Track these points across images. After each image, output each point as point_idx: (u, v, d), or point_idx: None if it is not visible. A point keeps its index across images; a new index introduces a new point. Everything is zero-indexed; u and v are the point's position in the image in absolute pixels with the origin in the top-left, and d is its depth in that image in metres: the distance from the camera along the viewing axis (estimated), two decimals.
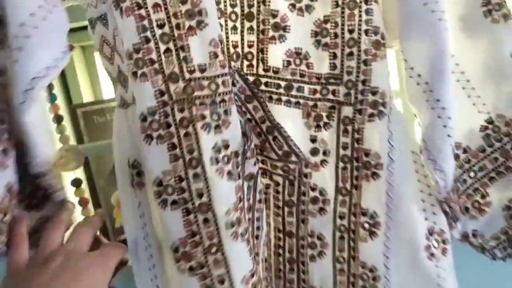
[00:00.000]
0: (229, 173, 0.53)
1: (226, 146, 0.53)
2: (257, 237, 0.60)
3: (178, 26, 0.50)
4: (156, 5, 0.50)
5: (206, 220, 0.53)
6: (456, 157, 0.63)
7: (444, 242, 0.62)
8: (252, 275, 0.55)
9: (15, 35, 0.45)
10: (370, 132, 0.59)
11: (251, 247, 0.56)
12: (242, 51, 0.59)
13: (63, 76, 0.84)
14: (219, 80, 0.52)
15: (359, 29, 0.57)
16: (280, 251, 0.66)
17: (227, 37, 0.58)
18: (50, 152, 0.51)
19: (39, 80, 0.46)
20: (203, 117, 0.52)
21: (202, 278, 0.54)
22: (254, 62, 0.60)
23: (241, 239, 0.54)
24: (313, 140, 0.62)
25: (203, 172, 0.52)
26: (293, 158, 0.61)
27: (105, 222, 0.60)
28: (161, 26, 0.50)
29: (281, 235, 0.65)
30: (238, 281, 0.54)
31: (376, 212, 0.61)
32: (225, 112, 0.53)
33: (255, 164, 0.56)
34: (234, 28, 0.59)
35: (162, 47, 0.51)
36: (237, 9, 0.58)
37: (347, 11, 0.57)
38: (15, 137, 0.47)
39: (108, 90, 0.91)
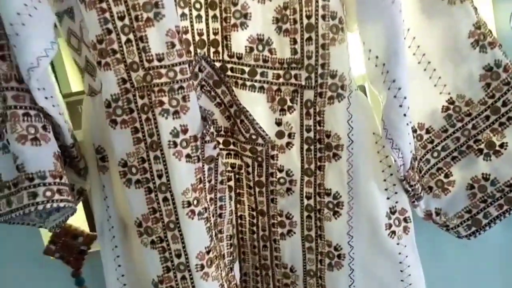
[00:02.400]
0: (187, 156, 0.57)
1: (185, 131, 0.57)
2: (220, 215, 0.64)
3: (137, 18, 0.54)
4: None
5: (165, 199, 0.57)
6: (420, 137, 0.65)
7: (405, 220, 0.64)
8: (208, 252, 0.59)
9: (8, 34, 0.51)
10: (330, 114, 0.61)
11: (210, 225, 0.60)
12: (208, 39, 0.63)
13: (52, 66, 0.89)
14: (177, 68, 0.56)
15: (316, 15, 0.60)
16: (254, 228, 0.70)
17: (192, 26, 0.62)
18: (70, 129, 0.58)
19: (33, 69, 0.52)
20: (161, 103, 0.56)
21: (162, 251, 0.58)
22: (220, 48, 0.63)
23: (198, 218, 0.58)
24: (278, 123, 0.65)
25: (162, 155, 0.56)
26: (260, 140, 0.64)
27: (91, 211, 0.65)
28: (121, 18, 0.54)
29: (254, 214, 0.69)
30: (193, 256, 0.58)
31: (339, 192, 0.63)
32: (184, 98, 0.56)
33: (215, 147, 0.60)
34: (199, 16, 0.62)
35: (123, 38, 0.54)
36: None
37: None
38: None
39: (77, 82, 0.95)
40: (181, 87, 0.57)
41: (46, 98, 0.54)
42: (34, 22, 0.51)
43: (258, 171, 0.67)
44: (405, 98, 0.58)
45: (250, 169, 0.67)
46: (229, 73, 0.64)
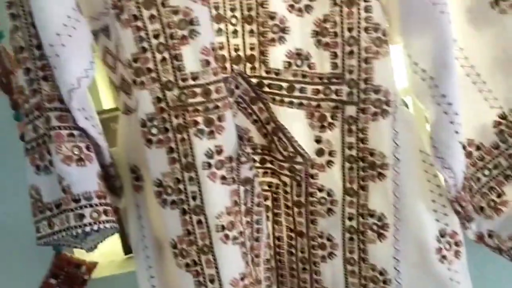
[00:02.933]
0: (222, 177, 0.56)
1: (220, 152, 0.56)
2: (257, 239, 0.61)
3: (172, 36, 0.53)
4: (151, 16, 0.53)
5: (199, 222, 0.55)
6: (469, 154, 0.61)
7: (457, 244, 0.60)
8: (243, 278, 0.57)
9: (48, 55, 0.51)
10: (374, 131, 0.59)
11: (246, 250, 0.57)
12: (245, 54, 0.61)
13: None
14: (212, 87, 0.54)
15: (358, 27, 0.57)
16: (293, 250, 0.67)
17: (228, 41, 0.60)
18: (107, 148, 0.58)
19: (73, 91, 0.52)
20: (196, 123, 0.55)
21: (196, 275, 0.57)
22: (257, 64, 0.61)
23: (232, 242, 0.56)
24: (318, 140, 0.62)
25: (197, 176, 0.55)
26: (298, 159, 0.62)
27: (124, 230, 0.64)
28: (156, 36, 0.53)
29: (292, 235, 0.67)
30: (227, 282, 0.56)
31: (384, 213, 0.60)
32: (219, 118, 0.55)
33: (251, 168, 0.58)
34: (235, 32, 0.60)
35: (158, 56, 0.53)
36: (237, 13, 0.60)
37: (345, 9, 0.58)
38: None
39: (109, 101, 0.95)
40: (216, 106, 0.55)
41: (86, 118, 0.53)
42: (74, 42, 0.51)
43: (297, 191, 0.64)
44: (456, 114, 0.55)
45: (288, 189, 0.65)
46: (266, 89, 0.62)
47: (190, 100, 0.54)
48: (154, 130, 0.55)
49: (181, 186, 0.56)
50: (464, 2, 0.58)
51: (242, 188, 0.58)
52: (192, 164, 0.55)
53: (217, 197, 0.55)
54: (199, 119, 0.55)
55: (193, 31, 0.53)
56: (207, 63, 0.54)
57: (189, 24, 0.53)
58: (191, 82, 0.54)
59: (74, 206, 0.52)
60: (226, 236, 0.56)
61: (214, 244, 0.56)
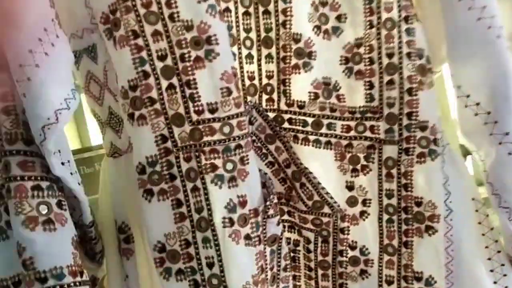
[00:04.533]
0: (247, 236, 0.44)
1: (243, 203, 0.44)
2: None
3: (183, 58, 0.42)
4: (156, 33, 0.42)
5: None
6: None
7: None
8: None
9: (16, 79, 0.38)
10: (421, 176, 0.50)
11: None
12: (260, 83, 0.51)
13: None
14: (234, 122, 0.43)
15: (400, 52, 0.49)
16: None
17: (241, 67, 0.51)
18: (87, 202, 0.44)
19: (49, 127, 0.39)
20: (214, 167, 0.43)
21: None
22: (275, 95, 0.51)
23: None
24: (350, 187, 0.53)
25: (214, 237, 0.43)
26: (326, 209, 0.52)
27: None
28: (162, 58, 0.42)
29: None
30: None
31: (433, 276, 0.51)
32: (242, 160, 0.44)
33: (278, 223, 0.47)
34: (250, 56, 0.51)
35: (164, 83, 0.42)
36: (253, 34, 0.50)
37: (383, 32, 0.49)
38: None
39: (97, 136, 0.82)
40: (239, 146, 0.44)
41: (62, 163, 0.40)
42: (51, 63, 0.39)
43: (322, 249, 0.54)
44: None
45: (311, 246, 0.54)
46: (286, 125, 0.52)
47: (207, 139, 0.43)
48: (156, 178, 0.43)
49: (191, 251, 0.44)
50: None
51: (268, 249, 0.47)
52: (209, 221, 0.43)
53: (242, 263, 0.44)
54: (218, 162, 0.43)
55: (210, 51, 0.42)
56: (228, 91, 0.43)
57: (206, 43, 0.42)
58: (208, 115, 0.43)
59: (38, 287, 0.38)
60: None
61: None
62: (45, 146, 0.39)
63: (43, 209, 0.39)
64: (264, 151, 0.53)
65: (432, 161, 0.50)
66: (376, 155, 0.52)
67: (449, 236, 0.50)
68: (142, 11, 0.41)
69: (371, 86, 0.51)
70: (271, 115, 0.52)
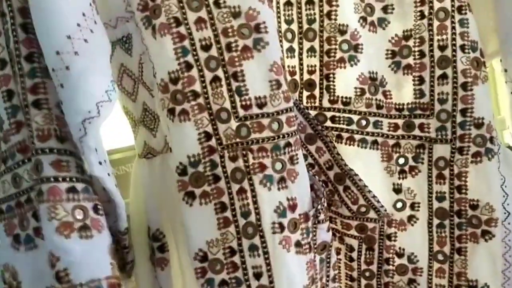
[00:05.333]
0: (297, 243, 0.41)
1: (293, 207, 0.41)
2: None
3: (229, 47, 0.39)
4: (200, 21, 0.39)
5: None
6: None
7: None
8: None
9: (52, 67, 0.34)
10: (477, 177, 0.47)
11: None
12: (301, 79, 0.48)
13: None
14: (283, 117, 0.40)
15: (453, 45, 0.46)
16: None
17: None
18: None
19: (90, 121, 0.35)
20: (262, 167, 0.40)
21: None
22: (317, 92, 0.49)
23: None
24: (397, 190, 0.50)
25: (263, 244, 0.40)
26: (372, 214, 0.49)
27: None
28: (206, 48, 0.39)
29: None
30: None
31: (489, 284, 0.48)
32: (291, 159, 0.41)
33: (328, 229, 0.44)
34: (291, 50, 0.48)
35: (208, 76, 0.39)
36: (294, 26, 0.47)
37: (436, 23, 0.47)
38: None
39: (123, 135, 0.76)
40: (288, 144, 0.41)
41: (100, 163, 0.36)
42: (91, 50, 0.35)
43: (367, 257, 0.51)
44: None
45: (354, 254, 0.51)
46: (329, 123, 0.49)
47: (255, 136, 0.40)
48: (198, 179, 0.40)
49: (237, 260, 0.40)
50: None
51: (318, 258, 0.43)
52: (257, 226, 0.40)
53: (294, 272, 0.40)
54: (267, 161, 0.40)
55: (259, 40, 0.39)
56: (278, 84, 0.40)
57: (254, 31, 0.39)
58: (256, 110, 0.40)
59: None
60: None
61: None
62: (85, 143, 0.35)
63: (79, 214, 0.36)
64: (303, 151, 0.49)
65: (489, 161, 0.47)
66: (426, 155, 0.49)
67: (507, 241, 0.48)
68: None
69: (421, 81, 0.48)
70: (313, 113, 0.49)
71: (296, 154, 0.41)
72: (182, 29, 0.39)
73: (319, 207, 0.42)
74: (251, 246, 0.40)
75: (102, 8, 0.42)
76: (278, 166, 0.40)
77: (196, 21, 0.39)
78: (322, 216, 0.43)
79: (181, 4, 0.39)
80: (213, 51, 0.39)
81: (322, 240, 0.43)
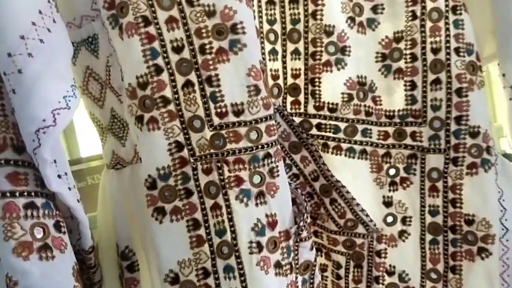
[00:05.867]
0: (277, 265, 0.38)
1: (273, 224, 0.38)
2: None
3: (202, 49, 0.36)
4: (171, 20, 0.36)
5: None
6: None
7: None
8: None
9: (4, 70, 0.31)
10: (472, 189, 0.44)
11: None
12: (285, 83, 0.45)
13: None
14: (262, 126, 0.37)
15: (447, 47, 0.43)
16: None
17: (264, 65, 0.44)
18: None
19: (45, 130, 0.32)
20: (239, 181, 0.37)
21: None
22: (302, 97, 0.46)
23: None
24: (388, 203, 0.47)
25: (239, 265, 0.37)
26: (360, 229, 0.46)
27: None
28: (178, 50, 0.36)
29: None
30: None
31: None
32: (271, 172, 0.38)
33: (312, 248, 0.41)
34: (274, 52, 0.45)
35: (180, 80, 0.36)
36: (277, 27, 0.44)
37: (428, 24, 0.44)
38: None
39: (88, 145, 0.73)
40: (268, 155, 0.38)
41: (59, 176, 0.33)
42: (48, 52, 0.32)
43: (355, 274, 0.48)
44: None
45: (342, 272, 0.48)
46: (314, 131, 0.46)
47: (231, 146, 0.37)
48: (169, 194, 0.37)
49: (211, 282, 0.37)
50: None
51: (300, 279, 0.40)
52: (232, 245, 0.37)
53: None
54: (244, 174, 0.37)
55: (236, 42, 0.36)
56: (256, 90, 0.37)
57: (231, 32, 0.36)
58: (232, 118, 0.36)
59: None
60: None
61: None
62: (40, 155, 0.32)
63: (39, 233, 0.32)
64: (287, 161, 0.47)
65: (485, 173, 0.44)
66: (418, 166, 0.46)
67: (505, 260, 0.45)
68: None
69: (413, 86, 0.45)
70: (297, 120, 0.46)
71: (277, 166, 0.38)
72: (151, 29, 0.36)
73: (302, 223, 0.39)
74: (226, 267, 0.37)
75: (65, 5, 0.38)
76: (257, 179, 0.37)
77: (167, 20, 0.36)
78: (304, 233, 0.39)
79: (151, 2, 0.35)
80: (186, 53, 0.36)
81: (304, 259, 0.40)
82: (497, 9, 0.45)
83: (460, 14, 0.44)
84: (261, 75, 0.37)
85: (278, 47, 0.45)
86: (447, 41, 0.44)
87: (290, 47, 0.45)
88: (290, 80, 0.45)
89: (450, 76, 0.44)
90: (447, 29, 0.44)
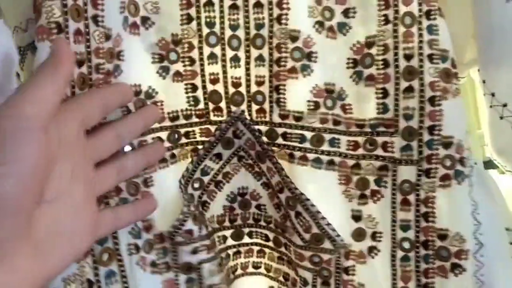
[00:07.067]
0: (152, 264, 0.43)
1: (148, 228, 0.42)
2: None
3: (97, 68, 0.38)
4: (78, 32, 0.36)
5: None
6: None
7: None
8: None
9: None
10: (445, 203, 0.42)
11: None
12: (248, 91, 0.44)
13: None
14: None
15: (420, 54, 0.41)
16: None
17: (225, 72, 0.43)
18: None
19: None
20: (117, 190, 0.41)
21: None
22: (266, 105, 0.44)
23: None
24: (357, 217, 0.45)
25: (121, 267, 0.42)
26: (327, 244, 0.44)
27: None
28: (79, 64, 0.37)
29: None
30: None
31: None
32: (145, 182, 0.41)
33: (195, 251, 0.43)
34: (236, 58, 0.43)
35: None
36: (240, 32, 0.43)
37: (401, 29, 0.42)
38: None
39: None
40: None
41: None
42: None
43: None
44: None
45: None
46: (280, 141, 0.44)
47: None
48: None
49: None
50: None
51: (183, 277, 0.44)
52: (114, 250, 0.41)
53: None
54: (122, 184, 0.40)
55: (117, 67, 0.39)
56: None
57: (115, 58, 0.39)
58: None
59: None
60: None
61: None
62: None
63: None
64: (257, 169, 0.45)
65: (458, 185, 0.42)
66: (389, 178, 0.44)
67: (479, 276, 0.43)
68: (70, 1, 0.35)
69: (384, 94, 0.43)
70: (263, 128, 0.44)
71: (151, 177, 0.41)
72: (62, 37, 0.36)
73: (173, 230, 0.42)
74: (108, 274, 0.40)
75: (14, 9, 0.38)
76: (132, 189, 0.40)
77: (76, 32, 0.36)
78: (179, 239, 0.42)
79: (65, 9, 0.35)
80: (83, 69, 0.37)
81: (185, 261, 0.43)
82: (478, 13, 0.43)
83: (435, 19, 0.42)
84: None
85: (241, 53, 0.43)
86: (420, 47, 0.42)
87: (254, 53, 0.43)
88: (254, 88, 0.44)
89: (423, 84, 0.42)
90: (420, 35, 0.42)
